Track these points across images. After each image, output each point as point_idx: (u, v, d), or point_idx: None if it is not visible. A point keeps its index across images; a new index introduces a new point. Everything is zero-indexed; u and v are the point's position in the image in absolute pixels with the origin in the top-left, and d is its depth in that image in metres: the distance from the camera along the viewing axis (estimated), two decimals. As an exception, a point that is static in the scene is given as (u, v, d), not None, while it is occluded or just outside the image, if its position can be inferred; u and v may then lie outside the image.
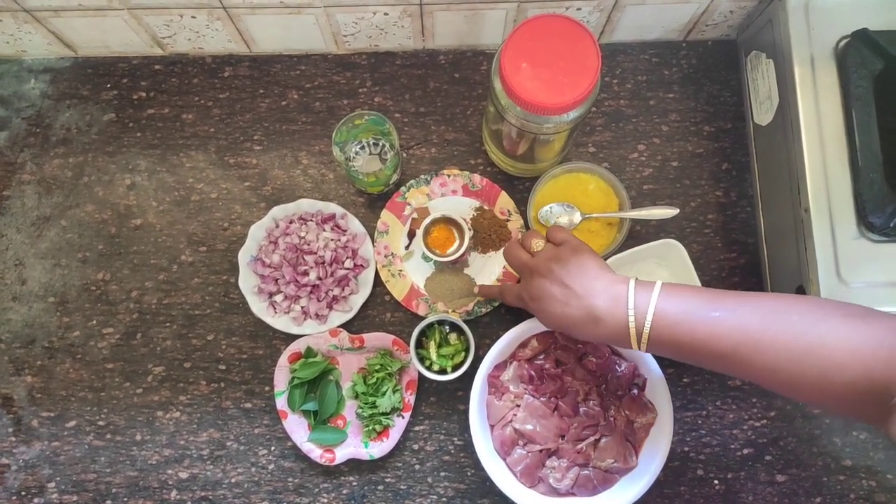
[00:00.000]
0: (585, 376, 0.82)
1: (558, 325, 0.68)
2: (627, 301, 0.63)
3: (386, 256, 0.89)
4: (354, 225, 0.89)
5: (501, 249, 0.89)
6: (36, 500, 0.85)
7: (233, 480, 0.85)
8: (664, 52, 0.96)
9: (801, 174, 0.76)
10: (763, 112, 0.86)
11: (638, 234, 0.91)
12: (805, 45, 0.78)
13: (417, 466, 0.85)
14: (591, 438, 0.80)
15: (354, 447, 0.84)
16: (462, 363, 0.83)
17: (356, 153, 0.89)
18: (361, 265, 0.88)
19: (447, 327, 0.86)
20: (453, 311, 0.87)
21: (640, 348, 0.64)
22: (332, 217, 0.89)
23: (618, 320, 0.64)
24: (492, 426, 0.82)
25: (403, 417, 0.84)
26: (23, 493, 0.85)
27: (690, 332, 0.61)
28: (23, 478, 0.85)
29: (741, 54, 0.93)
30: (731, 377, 0.88)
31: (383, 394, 0.84)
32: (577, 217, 0.87)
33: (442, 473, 0.85)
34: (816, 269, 0.73)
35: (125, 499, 0.85)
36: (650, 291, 0.63)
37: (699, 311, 0.61)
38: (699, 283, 0.84)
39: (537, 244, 0.73)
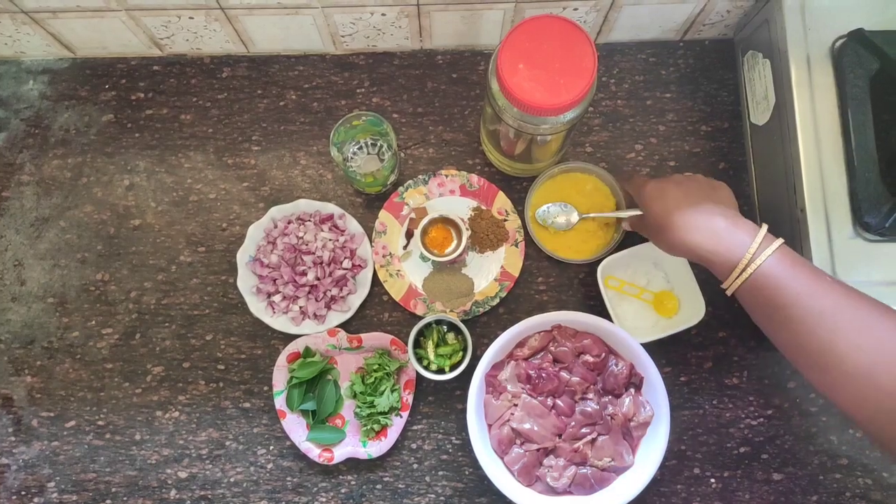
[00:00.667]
0: (583, 375, 0.82)
1: (667, 217, 0.71)
2: (754, 237, 0.66)
3: (384, 256, 0.89)
4: (352, 225, 0.89)
5: (500, 249, 0.89)
6: (36, 500, 0.85)
7: (232, 480, 0.85)
8: (661, 52, 0.96)
9: (797, 174, 0.76)
10: (760, 112, 0.86)
11: (635, 234, 0.91)
12: (801, 45, 0.78)
13: (416, 465, 0.86)
14: (589, 437, 0.81)
15: (353, 446, 0.84)
16: (460, 363, 0.84)
17: (354, 153, 0.90)
18: (359, 265, 0.89)
19: (445, 327, 0.86)
20: (451, 310, 0.88)
21: (730, 283, 0.67)
22: (331, 217, 0.90)
23: (733, 246, 0.66)
24: (489, 425, 0.83)
25: (402, 417, 0.85)
26: (23, 493, 0.85)
27: (786, 290, 0.63)
28: (23, 477, 0.86)
29: (738, 54, 0.94)
30: (729, 375, 0.88)
31: (381, 393, 0.84)
32: (574, 217, 0.88)
33: (440, 472, 0.86)
34: (812, 268, 0.73)
35: (125, 498, 0.85)
36: (771, 241, 0.66)
37: (804, 276, 0.63)
38: (695, 284, 0.85)
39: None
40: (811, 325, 0.61)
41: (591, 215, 0.88)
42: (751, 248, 0.65)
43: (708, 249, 0.68)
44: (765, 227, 0.67)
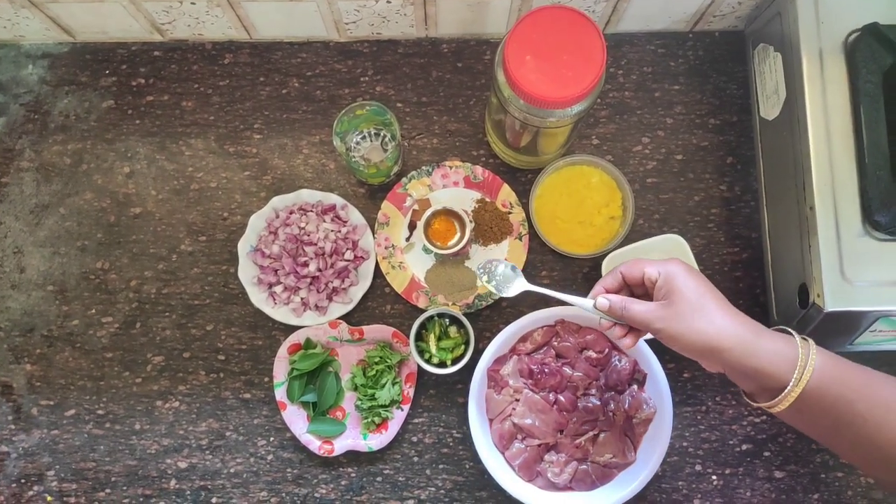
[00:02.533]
0: (585, 371, 0.82)
1: (700, 317, 0.60)
2: (798, 351, 0.58)
3: (386, 248, 0.88)
4: (355, 216, 0.88)
5: (503, 242, 0.88)
6: (35, 488, 0.85)
7: (232, 470, 0.85)
8: (670, 43, 0.95)
9: (806, 170, 0.75)
10: (770, 106, 0.85)
11: (641, 228, 0.90)
12: (814, 39, 0.76)
13: (416, 459, 0.86)
14: (590, 433, 0.80)
15: (353, 439, 0.84)
16: (462, 356, 0.83)
17: (357, 143, 0.88)
18: (362, 257, 0.88)
19: (447, 320, 0.85)
20: (453, 303, 0.87)
21: (779, 401, 0.59)
22: (333, 208, 0.89)
23: (781, 357, 0.58)
24: (491, 420, 0.82)
25: (402, 410, 0.84)
26: (22, 481, 0.85)
27: (838, 396, 0.57)
28: (22, 465, 0.86)
29: (749, 46, 0.92)
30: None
31: (382, 386, 0.84)
32: (519, 285, 0.75)
33: (440, 466, 0.85)
34: (820, 266, 0.72)
35: (124, 487, 0.85)
36: (809, 345, 0.59)
37: (855, 372, 0.58)
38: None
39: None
40: (875, 421, 0.56)
41: (535, 289, 0.73)
42: (800, 359, 0.58)
43: (757, 362, 0.58)
44: (795, 333, 0.60)
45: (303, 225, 0.87)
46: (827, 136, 0.74)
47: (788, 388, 0.58)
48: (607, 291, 0.67)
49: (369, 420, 0.84)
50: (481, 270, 0.76)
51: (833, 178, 0.74)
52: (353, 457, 0.85)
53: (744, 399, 0.65)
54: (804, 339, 0.60)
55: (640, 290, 0.66)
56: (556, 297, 0.70)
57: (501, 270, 0.75)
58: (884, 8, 0.76)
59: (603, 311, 0.66)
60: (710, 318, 0.60)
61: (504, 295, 0.75)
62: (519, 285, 0.74)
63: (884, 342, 0.77)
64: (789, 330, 0.62)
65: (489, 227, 0.88)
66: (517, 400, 0.81)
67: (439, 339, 0.84)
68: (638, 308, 0.63)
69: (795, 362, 0.58)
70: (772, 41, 0.84)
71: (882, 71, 0.74)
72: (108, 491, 0.85)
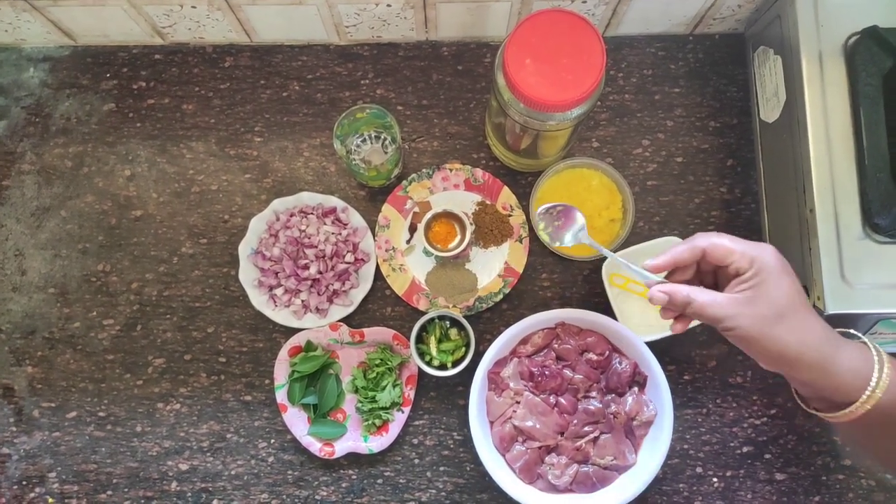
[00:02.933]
0: (586, 373, 0.82)
1: (795, 346, 0.54)
2: (874, 359, 0.55)
3: (387, 251, 0.88)
4: (355, 219, 0.89)
5: (504, 244, 0.88)
6: (37, 490, 0.85)
7: (232, 472, 0.85)
8: (670, 46, 0.95)
9: (806, 173, 0.75)
10: (770, 109, 0.85)
11: (641, 230, 0.90)
12: (813, 42, 0.76)
13: (417, 461, 0.86)
14: (591, 435, 0.80)
15: (354, 441, 0.84)
16: (462, 359, 0.83)
17: (358, 146, 0.89)
18: (362, 259, 0.88)
19: (448, 322, 0.86)
20: (454, 306, 0.87)
21: (847, 414, 0.55)
22: (333, 210, 0.89)
23: (855, 374, 0.54)
24: (491, 422, 0.82)
25: (403, 412, 0.84)
26: (24, 483, 0.85)
27: None
28: (24, 467, 0.86)
29: (749, 49, 0.92)
30: (733, 374, 0.87)
31: (383, 388, 0.84)
32: (580, 233, 0.72)
33: (441, 468, 0.85)
34: (820, 269, 0.72)
35: (125, 489, 0.85)
36: (884, 362, 0.55)
37: None
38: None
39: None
40: None
41: (592, 243, 0.69)
42: (874, 377, 0.54)
43: (834, 380, 0.54)
44: (872, 346, 0.56)
45: (303, 227, 0.87)
46: (827, 139, 0.74)
47: (856, 404, 0.54)
48: (676, 264, 0.58)
49: (370, 422, 0.84)
50: (540, 216, 0.71)
51: (833, 180, 0.74)
52: (353, 459, 0.85)
53: (798, 402, 0.61)
54: (877, 350, 0.56)
55: (708, 266, 0.58)
56: (615, 259, 0.65)
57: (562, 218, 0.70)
58: (883, 11, 0.76)
59: (661, 303, 0.58)
60: (793, 327, 0.54)
61: (557, 245, 0.70)
62: (575, 236, 0.69)
63: (884, 345, 0.77)
64: (863, 339, 0.57)
65: (489, 229, 0.88)
66: (518, 402, 0.81)
67: (440, 341, 0.84)
68: (707, 301, 0.55)
69: (869, 378, 0.53)
70: (772, 44, 0.84)
71: (882, 74, 0.74)
72: (109, 493, 0.85)
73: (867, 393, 0.53)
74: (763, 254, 0.55)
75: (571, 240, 0.71)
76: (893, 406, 0.53)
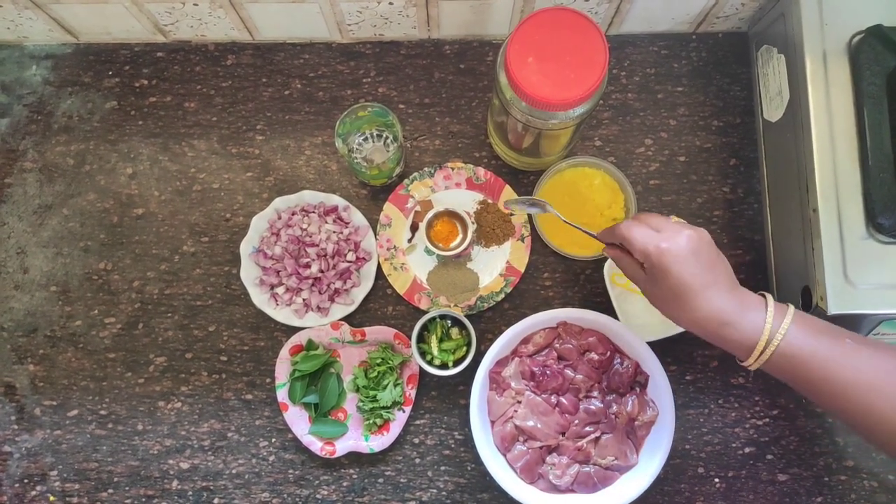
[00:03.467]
0: (587, 373, 0.81)
1: (677, 307, 0.63)
2: (766, 314, 0.62)
3: (388, 249, 0.88)
4: (357, 217, 0.88)
5: (506, 243, 0.88)
6: (38, 488, 0.85)
7: (233, 471, 0.85)
8: (673, 45, 0.95)
9: (809, 173, 0.74)
10: (773, 108, 0.84)
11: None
12: (817, 41, 0.76)
13: (418, 460, 0.85)
14: (592, 435, 0.80)
15: (355, 440, 0.84)
16: (463, 358, 0.83)
17: (359, 144, 0.88)
18: (363, 258, 0.88)
19: (449, 322, 0.85)
20: (455, 305, 0.87)
21: (751, 362, 0.63)
22: (335, 209, 0.89)
23: (746, 328, 0.61)
24: (492, 422, 0.82)
25: (404, 411, 0.84)
26: (25, 481, 0.85)
27: (811, 362, 0.61)
28: (25, 465, 0.86)
29: (752, 48, 0.92)
30: (735, 374, 0.87)
31: (384, 387, 0.84)
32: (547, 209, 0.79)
33: (442, 467, 0.85)
34: (823, 269, 0.72)
35: (126, 488, 0.85)
36: (784, 313, 0.62)
37: (825, 344, 0.61)
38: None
39: (674, 219, 0.69)
40: (845, 391, 0.60)
41: (572, 224, 0.77)
42: (765, 329, 0.61)
43: (723, 339, 0.63)
44: (770, 298, 0.63)
45: (305, 226, 0.87)
46: (830, 138, 0.74)
47: (754, 352, 0.61)
48: (606, 239, 0.72)
49: (371, 421, 0.84)
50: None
51: (836, 180, 0.73)
52: (354, 458, 0.85)
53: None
54: (782, 305, 0.63)
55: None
56: (578, 228, 0.76)
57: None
58: (888, 10, 0.75)
59: (609, 256, 0.72)
60: (682, 309, 0.63)
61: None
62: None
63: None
64: (767, 297, 0.64)
65: (491, 228, 0.88)
66: (519, 402, 0.81)
67: (441, 340, 0.84)
68: (628, 269, 0.69)
69: (762, 329, 0.61)
70: (775, 43, 0.84)
71: (886, 73, 0.73)
72: (110, 491, 0.85)
73: (758, 345, 0.61)
74: (650, 254, 0.62)
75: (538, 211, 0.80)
76: (797, 356, 0.61)
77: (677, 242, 0.62)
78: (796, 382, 0.63)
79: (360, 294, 0.87)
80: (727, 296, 0.62)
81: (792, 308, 0.63)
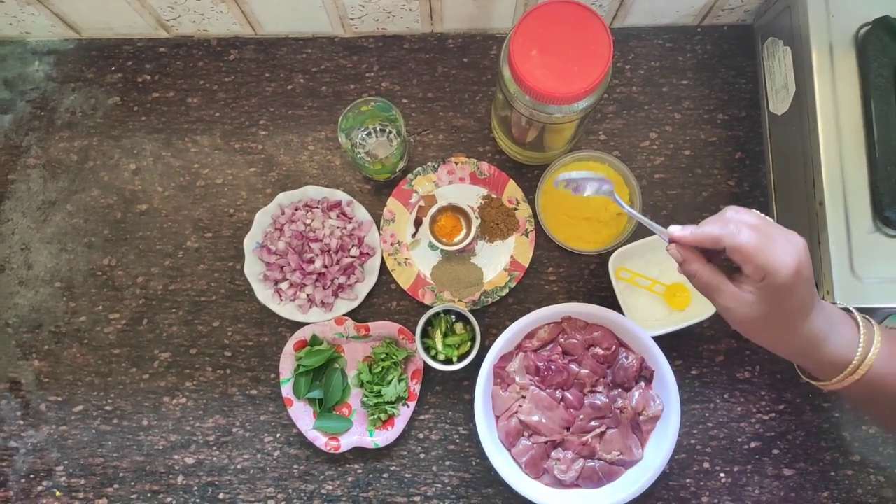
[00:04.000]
0: (592, 368, 0.81)
1: (785, 328, 0.55)
2: (859, 331, 0.57)
3: (392, 244, 0.88)
4: (360, 212, 0.88)
5: (510, 238, 0.88)
6: (44, 483, 0.86)
7: (238, 466, 0.86)
8: (678, 38, 0.94)
9: (816, 166, 0.74)
10: (779, 101, 0.84)
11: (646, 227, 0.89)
12: (824, 32, 0.75)
13: (422, 455, 0.85)
14: (597, 430, 0.80)
15: (359, 435, 0.84)
16: (468, 353, 0.83)
17: (363, 139, 0.88)
18: (367, 253, 0.88)
19: (453, 317, 0.85)
20: (460, 300, 0.87)
21: (835, 381, 0.58)
22: (338, 204, 0.88)
23: (839, 345, 0.56)
24: (497, 417, 0.82)
25: (409, 406, 0.84)
26: (31, 476, 0.86)
27: None
28: (31, 461, 0.86)
29: (758, 40, 0.91)
30: (741, 369, 0.87)
31: (389, 383, 0.84)
32: (605, 189, 0.66)
33: (447, 462, 0.85)
34: (830, 263, 0.71)
35: (132, 483, 0.85)
36: (871, 330, 0.58)
37: None
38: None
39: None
40: None
41: (623, 204, 0.66)
42: (860, 347, 0.56)
43: (817, 356, 0.57)
44: (856, 313, 0.59)
45: (308, 221, 0.87)
46: (837, 131, 0.74)
47: (844, 373, 0.56)
48: (697, 244, 0.57)
49: (375, 417, 0.84)
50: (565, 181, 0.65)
51: (843, 173, 0.73)
52: (359, 453, 0.85)
53: (799, 374, 0.64)
54: (867, 321, 0.59)
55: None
56: (635, 216, 0.64)
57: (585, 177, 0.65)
58: (895, 1, 0.75)
59: (675, 259, 0.59)
60: (784, 330, 0.55)
61: (581, 194, 0.65)
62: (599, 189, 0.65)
63: None
64: (852, 312, 0.59)
65: (495, 223, 0.88)
66: (524, 397, 0.81)
67: (445, 335, 0.84)
68: (711, 283, 0.56)
69: (857, 349, 0.56)
70: (781, 35, 0.83)
71: (893, 65, 0.73)
72: (115, 486, 0.85)
73: (851, 366, 0.56)
74: (780, 270, 0.52)
75: (593, 192, 0.65)
76: (882, 376, 0.56)
77: (801, 257, 0.53)
78: (881, 403, 0.58)
79: (364, 289, 0.87)
80: (822, 312, 0.56)
81: (876, 324, 0.59)
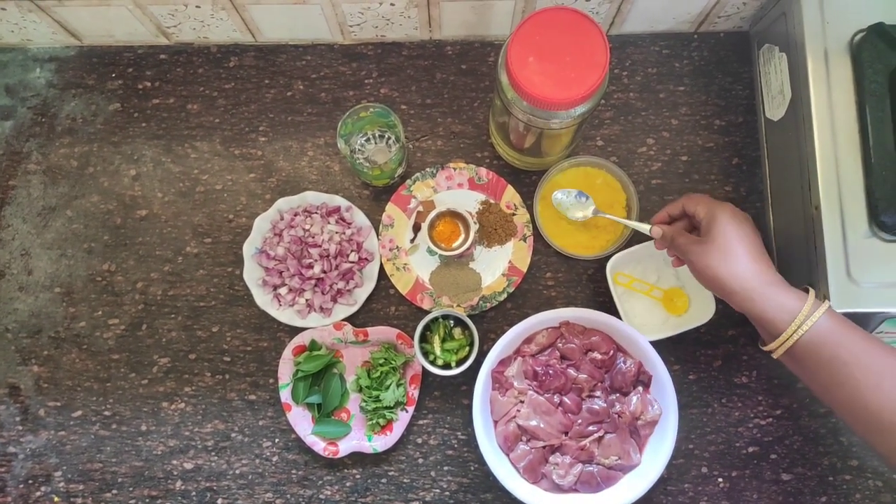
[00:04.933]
0: (590, 372, 0.81)
1: (726, 260, 0.68)
2: (806, 299, 0.65)
3: (391, 250, 0.88)
4: (359, 218, 0.89)
5: (508, 243, 0.88)
6: (43, 489, 0.86)
7: (237, 471, 0.86)
8: (675, 44, 0.95)
9: (812, 171, 0.74)
10: (775, 107, 0.84)
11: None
12: (819, 39, 0.76)
13: (421, 460, 0.86)
14: (595, 435, 0.80)
15: (358, 440, 0.84)
16: (466, 358, 0.83)
17: (362, 145, 0.89)
18: (366, 258, 0.88)
19: (452, 322, 0.85)
20: (458, 305, 0.87)
21: (776, 345, 0.66)
22: (337, 210, 0.89)
23: (781, 305, 0.66)
24: (495, 421, 0.82)
25: (407, 411, 0.84)
26: (30, 482, 0.86)
27: (835, 357, 0.63)
28: (30, 466, 0.86)
29: (754, 47, 0.92)
30: (739, 374, 0.87)
31: (387, 388, 0.84)
32: (590, 212, 0.86)
33: (445, 467, 0.85)
34: (826, 267, 0.72)
35: (130, 488, 0.85)
36: (819, 305, 0.65)
37: (853, 342, 0.63)
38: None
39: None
40: (869, 385, 0.61)
41: (608, 216, 0.85)
42: (801, 311, 0.64)
43: (760, 308, 0.66)
44: (812, 292, 0.67)
45: (307, 227, 0.87)
46: (833, 137, 0.74)
47: (781, 336, 0.65)
48: (669, 216, 0.78)
49: (374, 421, 0.84)
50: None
51: (839, 178, 0.73)
52: (357, 458, 0.85)
53: (759, 345, 0.72)
54: (819, 299, 0.67)
55: (697, 222, 0.74)
56: (620, 222, 0.82)
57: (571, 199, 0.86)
58: (889, 8, 0.75)
59: (657, 237, 0.77)
60: (730, 262, 0.68)
61: (571, 217, 0.86)
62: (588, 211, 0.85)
63: (890, 344, 0.76)
64: (808, 288, 0.68)
65: (493, 228, 0.88)
66: (522, 401, 0.81)
67: (444, 340, 0.84)
68: (682, 240, 0.73)
69: (796, 316, 0.65)
70: (777, 41, 0.84)
71: (888, 71, 0.73)
72: (114, 492, 0.85)
73: (791, 327, 0.64)
74: (718, 207, 0.71)
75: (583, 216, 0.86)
76: (821, 343, 0.64)
77: (735, 209, 0.72)
78: (817, 371, 0.65)
79: (362, 294, 0.87)
80: (770, 270, 0.68)
81: (829, 303, 0.66)
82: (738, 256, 0.68)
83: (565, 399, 0.81)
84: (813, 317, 0.64)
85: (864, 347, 0.63)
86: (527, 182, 0.91)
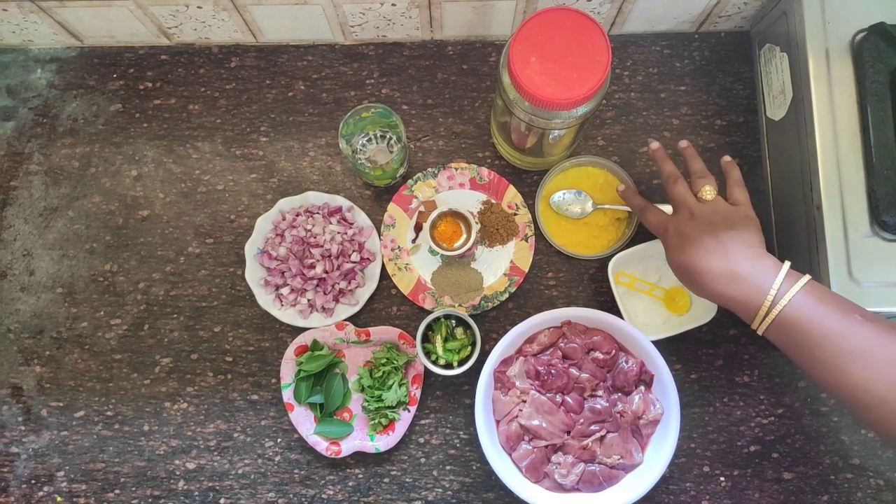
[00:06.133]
0: (592, 372, 0.82)
1: (689, 269, 0.69)
2: (776, 277, 0.64)
3: (392, 250, 0.88)
4: (361, 218, 0.89)
5: (510, 243, 0.88)
6: (45, 489, 0.86)
7: (239, 471, 0.86)
8: (676, 44, 0.95)
9: (813, 170, 0.75)
10: (776, 106, 0.84)
11: (647, 229, 0.90)
12: (820, 39, 0.76)
13: (423, 460, 0.86)
14: (597, 434, 0.80)
15: (360, 440, 0.84)
16: (468, 358, 0.83)
17: (363, 145, 0.89)
18: (368, 258, 0.88)
19: (454, 321, 0.86)
20: (460, 305, 0.87)
21: (757, 325, 0.66)
22: (339, 210, 0.89)
23: (754, 289, 0.65)
24: (497, 421, 0.82)
25: (409, 411, 0.84)
26: (32, 482, 0.86)
27: (812, 331, 0.63)
28: (32, 466, 0.86)
29: (755, 47, 0.92)
30: (739, 374, 0.87)
31: (389, 387, 0.84)
32: (588, 206, 0.87)
33: (447, 467, 0.85)
34: (828, 267, 0.72)
35: (133, 488, 0.85)
36: (796, 279, 0.65)
37: (831, 315, 0.62)
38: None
39: (709, 192, 0.73)
40: (845, 364, 0.61)
41: (606, 206, 0.86)
42: (772, 290, 0.64)
43: (731, 297, 0.67)
44: (787, 264, 0.66)
45: (309, 227, 0.87)
46: (834, 136, 0.74)
47: (759, 313, 0.65)
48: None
49: (376, 421, 0.84)
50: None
51: (840, 178, 0.74)
52: (360, 458, 0.85)
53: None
54: (797, 273, 0.65)
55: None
56: (619, 209, 0.87)
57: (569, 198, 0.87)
58: (890, 8, 0.76)
59: (653, 148, 0.80)
60: (695, 288, 0.69)
61: (570, 214, 0.88)
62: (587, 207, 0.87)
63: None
64: (785, 263, 0.67)
65: (495, 228, 0.88)
66: (524, 401, 0.81)
67: (446, 340, 0.84)
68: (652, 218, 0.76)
69: (771, 288, 0.64)
70: (778, 41, 0.84)
71: (889, 70, 0.73)
72: (117, 492, 0.85)
73: (764, 307, 0.64)
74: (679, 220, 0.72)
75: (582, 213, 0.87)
76: (797, 321, 0.63)
77: (669, 227, 0.73)
78: (797, 349, 0.64)
79: (364, 294, 0.87)
80: (746, 251, 0.67)
81: (807, 277, 0.65)
82: (695, 276, 0.69)
83: (567, 398, 0.81)
84: (789, 294, 0.63)
85: (839, 327, 0.62)
86: (528, 182, 0.91)
